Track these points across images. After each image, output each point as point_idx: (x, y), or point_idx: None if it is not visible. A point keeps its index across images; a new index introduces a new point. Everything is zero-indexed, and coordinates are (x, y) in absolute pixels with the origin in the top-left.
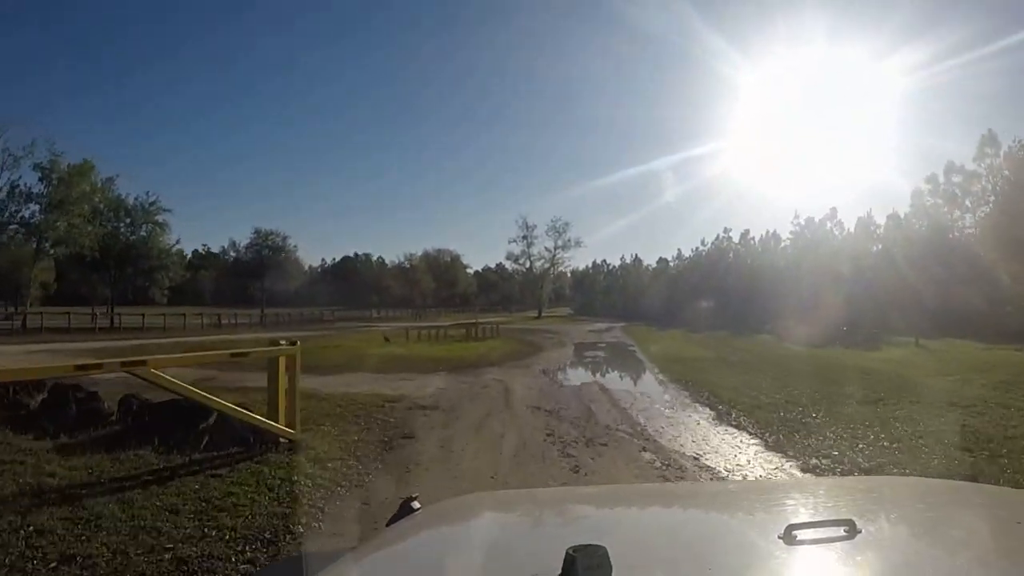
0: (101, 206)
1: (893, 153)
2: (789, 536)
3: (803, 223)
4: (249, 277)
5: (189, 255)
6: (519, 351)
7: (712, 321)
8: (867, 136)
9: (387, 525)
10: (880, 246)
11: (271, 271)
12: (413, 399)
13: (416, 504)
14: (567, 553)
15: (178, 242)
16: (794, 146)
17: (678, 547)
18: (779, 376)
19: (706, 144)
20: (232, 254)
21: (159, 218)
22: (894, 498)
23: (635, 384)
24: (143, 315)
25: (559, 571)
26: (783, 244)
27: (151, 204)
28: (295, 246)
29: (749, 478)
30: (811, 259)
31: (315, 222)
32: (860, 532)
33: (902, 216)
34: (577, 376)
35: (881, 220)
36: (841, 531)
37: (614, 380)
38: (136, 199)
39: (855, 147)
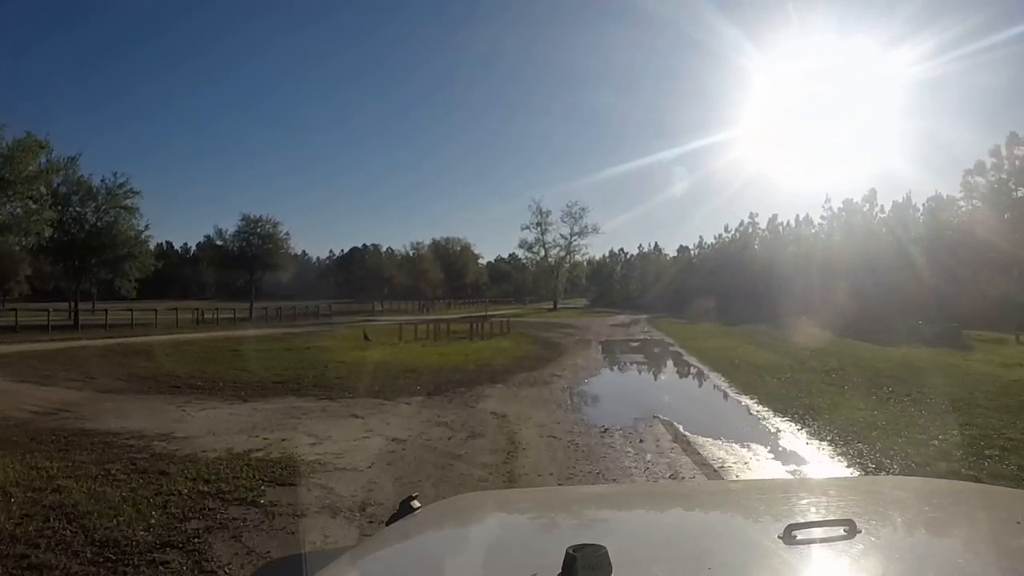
0: (62, 189)
1: (911, 143)
2: (789, 536)
3: (841, 205)
4: (237, 268)
5: (193, 247)
6: (533, 355)
7: (744, 313)
8: (889, 125)
9: (387, 524)
10: (922, 231)
11: (260, 261)
12: (328, 477)
13: (416, 503)
14: (567, 553)
15: (147, 228)
16: (808, 135)
17: (678, 547)
18: (924, 401)
19: (719, 133)
20: (219, 243)
21: (128, 202)
22: (894, 498)
23: (724, 423)
24: (106, 311)
25: (559, 571)
26: (814, 230)
27: (119, 186)
28: (287, 233)
29: None
30: (851, 245)
31: (326, 215)
32: (860, 532)
33: (944, 197)
34: (622, 403)
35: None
36: (841, 531)
37: (686, 413)
38: (102, 181)
39: (877, 136)
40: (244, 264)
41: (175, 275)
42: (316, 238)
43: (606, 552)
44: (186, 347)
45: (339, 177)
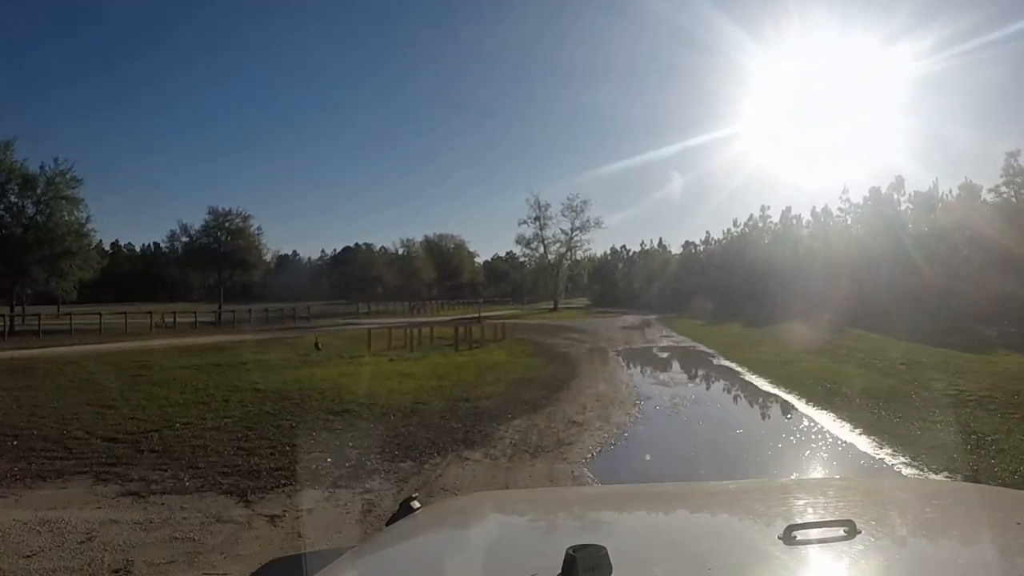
0: None
1: (912, 139)
2: (789, 536)
3: (867, 195)
4: (206, 267)
5: (180, 248)
6: (535, 376)
7: (761, 311)
8: (891, 122)
9: (387, 525)
10: (959, 219)
11: (230, 259)
12: None
13: (416, 504)
14: (567, 553)
15: (89, 220)
16: (810, 130)
17: (678, 547)
18: None
19: (720, 129)
20: (184, 239)
21: (70, 192)
22: (894, 499)
23: None
24: (39, 315)
25: (559, 571)
26: (832, 222)
27: (60, 174)
28: (259, 228)
29: None
30: (882, 236)
31: (324, 216)
32: (860, 533)
33: (973, 184)
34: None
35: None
36: (841, 531)
37: None
38: (42, 168)
39: (879, 132)
40: (212, 262)
41: (163, 276)
42: (315, 240)
43: (606, 553)
44: (82, 363)
45: (337, 179)
